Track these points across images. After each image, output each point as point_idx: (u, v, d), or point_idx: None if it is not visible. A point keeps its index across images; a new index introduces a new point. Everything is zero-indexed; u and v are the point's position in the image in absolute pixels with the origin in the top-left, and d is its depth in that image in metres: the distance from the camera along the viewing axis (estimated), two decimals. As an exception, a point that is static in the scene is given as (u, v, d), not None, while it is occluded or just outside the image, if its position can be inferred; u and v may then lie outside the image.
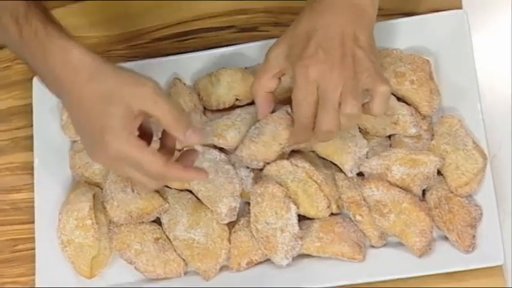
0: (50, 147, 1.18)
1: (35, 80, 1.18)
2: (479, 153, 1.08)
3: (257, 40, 1.17)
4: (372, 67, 0.95)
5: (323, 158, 1.12)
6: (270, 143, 1.08)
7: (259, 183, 1.09)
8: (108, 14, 1.27)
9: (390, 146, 1.12)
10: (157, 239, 1.11)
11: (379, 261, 1.07)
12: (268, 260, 1.09)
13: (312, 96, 0.95)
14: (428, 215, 1.06)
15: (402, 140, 1.11)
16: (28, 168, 1.19)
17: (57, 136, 1.18)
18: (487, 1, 1.19)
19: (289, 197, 1.07)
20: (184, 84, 1.18)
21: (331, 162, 1.11)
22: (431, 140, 1.11)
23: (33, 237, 1.14)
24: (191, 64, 1.19)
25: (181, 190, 1.13)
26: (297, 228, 1.06)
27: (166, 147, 0.99)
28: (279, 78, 1.04)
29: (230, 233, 1.11)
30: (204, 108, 1.17)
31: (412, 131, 1.09)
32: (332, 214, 1.10)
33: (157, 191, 1.11)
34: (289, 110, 1.08)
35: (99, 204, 1.13)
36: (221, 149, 1.13)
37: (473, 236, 1.05)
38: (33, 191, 1.16)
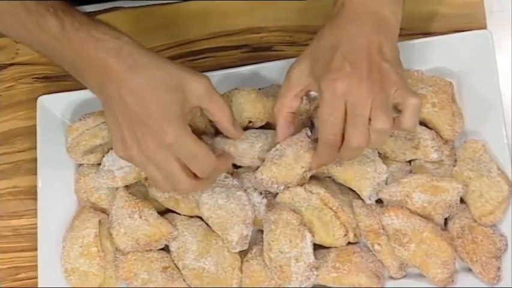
0: (54, 170, 1.16)
1: (40, 100, 1.17)
2: (504, 180, 1.05)
3: (272, 60, 1.16)
4: (399, 80, 0.94)
5: (340, 184, 1.10)
6: (292, 165, 1.06)
7: (272, 210, 1.07)
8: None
9: (411, 171, 1.10)
10: (165, 268, 1.09)
11: (399, 294, 1.05)
12: (282, 291, 1.06)
13: (339, 112, 0.93)
14: (450, 245, 1.04)
15: (423, 166, 1.09)
16: (31, 193, 1.18)
17: (62, 159, 1.16)
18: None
19: (304, 225, 1.05)
20: None
21: (349, 188, 1.10)
22: (454, 165, 1.09)
23: (36, 265, 1.12)
24: None
25: (191, 216, 1.12)
26: (312, 257, 1.04)
27: None
28: (301, 98, 1.02)
29: (242, 262, 1.09)
30: (216, 131, 1.14)
31: (434, 156, 1.07)
32: (349, 243, 1.08)
33: (166, 218, 1.10)
34: (309, 133, 1.07)
35: (105, 231, 1.11)
36: (232, 174, 1.11)
37: (498, 268, 1.03)
38: (36, 217, 1.14)
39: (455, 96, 1.12)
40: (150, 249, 1.09)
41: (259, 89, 1.15)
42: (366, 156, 1.08)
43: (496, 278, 1.03)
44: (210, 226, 1.10)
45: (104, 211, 1.14)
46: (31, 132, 1.19)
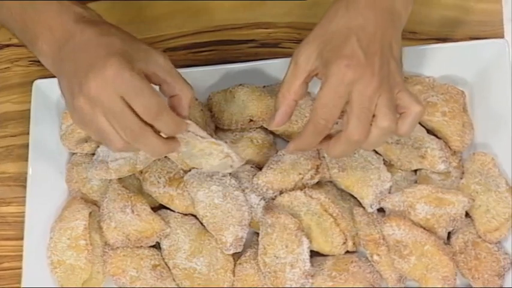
0: (46, 158, 1.15)
1: (36, 84, 1.16)
2: None
3: (278, 57, 1.15)
4: (401, 82, 0.92)
5: (341, 190, 1.10)
6: (288, 171, 1.06)
7: (270, 213, 1.05)
8: (120, 17, 1.24)
9: (416, 181, 1.10)
10: (155, 266, 1.07)
11: (396, 307, 1.05)
12: (274, 298, 1.06)
13: (341, 100, 0.90)
14: (452, 260, 1.02)
15: (429, 176, 1.09)
16: (21, 180, 1.17)
17: (55, 147, 1.15)
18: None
19: (302, 230, 1.04)
20: (196, 99, 1.15)
21: (350, 194, 1.09)
22: (461, 178, 1.08)
23: (21, 256, 1.10)
24: (206, 78, 1.16)
25: (185, 214, 1.10)
26: (308, 264, 1.02)
27: None
28: (307, 84, 0.97)
29: (235, 264, 1.08)
30: (216, 126, 1.14)
31: (441, 167, 1.06)
32: (347, 252, 1.07)
33: (159, 214, 1.09)
34: None
35: (95, 224, 1.10)
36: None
37: (501, 287, 1.02)
38: (24, 205, 1.12)
39: (466, 106, 1.11)
40: (141, 246, 1.08)
41: (264, 86, 1.14)
42: (370, 162, 1.07)
43: (497, 297, 1.02)
44: (204, 225, 1.08)
45: (95, 203, 1.13)
46: (24, 116, 1.18)
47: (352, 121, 0.90)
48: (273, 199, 1.07)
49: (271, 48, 1.20)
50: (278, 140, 1.13)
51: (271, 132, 1.13)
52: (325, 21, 0.94)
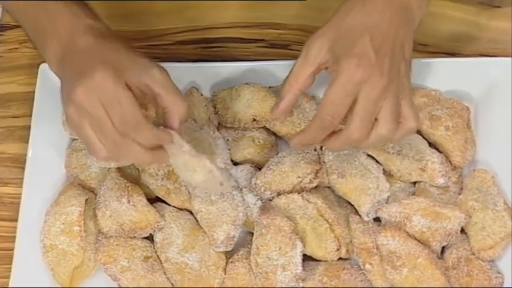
0: (47, 141, 1.14)
1: (42, 67, 1.15)
2: (509, 216, 1.04)
3: (287, 59, 1.14)
4: (408, 87, 0.92)
5: (339, 196, 1.10)
6: (287, 173, 1.06)
7: (266, 214, 1.05)
8: (129, 8, 1.25)
9: (414, 193, 1.09)
10: (147, 258, 1.07)
11: (385, 317, 1.04)
12: (263, 298, 1.05)
13: (349, 98, 0.90)
14: (444, 275, 1.02)
15: (428, 190, 1.09)
16: (20, 161, 1.15)
17: (57, 131, 1.14)
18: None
19: (297, 233, 1.04)
20: (202, 94, 1.16)
21: (348, 202, 1.09)
22: (459, 193, 1.08)
23: (14, 237, 1.09)
24: (212, 74, 1.16)
25: (180, 209, 1.10)
26: (300, 268, 1.02)
27: None
28: (314, 76, 0.97)
29: (227, 262, 1.07)
30: (219, 123, 1.14)
31: (440, 181, 1.06)
32: (340, 258, 1.06)
33: (154, 207, 1.08)
34: (319, 149, 1.08)
35: (90, 211, 1.09)
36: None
37: None
38: (21, 187, 1.11)
39: (470, 122, 1.12)
40: (134, 237, 1.08)
41: (270, 87, 1.14)
42: (369, 171, 1.07)
43: (486, 316, 1.01)
44: (198, 221, 1.08)
45: (92, 190, 1.12)
46: (28, 98, 1.17)
47: (355, 121, 0.90)
48: (270, 200, 1.07)
49: (280, 50, 1.21)
50: (280, 141, 1.13)
51: (274, 134, 1.13)
52: (340, 15, 0.93)
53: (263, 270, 1.02)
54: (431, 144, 1.09)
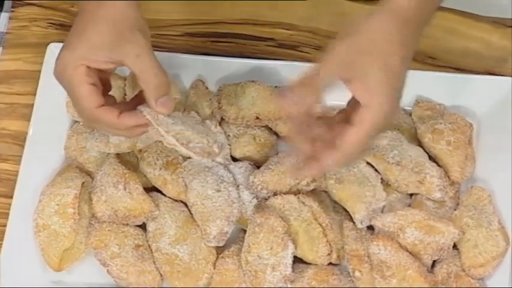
0: (48, 121, 1.14)
1: (50, 47, 1.15)
2: (502, 236, 1.04)
3: (295, 60, 1.15)
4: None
5: (335, 201, 1.09)
6: (285, 174, 1.06)
7: (260, 213, 1.05)
8: None
9: (410, 205, 1.09)
10: (138, 246, 1.06)
11: (370, 326, 1.04)
12: (250, 296, 1.05)
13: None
14: None
15: (424, 202, 1.08)
16: (20, 139, 1.15)
17: (59, 112, 1.14)
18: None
19: (289, 235, 1.04)
20: (207, 87, 1.16)
21: (343, 208, 1.08)
22: (455, 209, 1.08)
23: (8, 213, 1.09)
24: (219, 69, 1.16)
25: (175, 200, 1.10)
26: (289, 269, 1.02)
27: None
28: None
29: (217, 257, 1.07)
30: (222, 118, 1.14)
31: (437, 195, 1.06)
32: (330, 263, 1.06)
33: (150, 196, 1.08)
34: None
35: (85, 195, 1.09)
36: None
37: None
38: (19, 164, 1.11)
39: (472, 139, 1.12)
40: (127, 224, 1.07)
41: (276, 87, 1.13)
42: (367, 179, 1.07)
43: (472, 333, 1.01)
44: (192, 214, 1.08)
45: (89, 174, 1.12)
46: (34, 77, 1.17)
47: (339, 155, 0.90)
48: (266, 199, 1.07)
49: (289, 50, 1.21)
50: (281, 142, 1.13)
51: (275, 133, 1.13)
52: (364, 31, 0.88)
53: (253, 268, 1.02)
54: (432, 158, 1.09)
